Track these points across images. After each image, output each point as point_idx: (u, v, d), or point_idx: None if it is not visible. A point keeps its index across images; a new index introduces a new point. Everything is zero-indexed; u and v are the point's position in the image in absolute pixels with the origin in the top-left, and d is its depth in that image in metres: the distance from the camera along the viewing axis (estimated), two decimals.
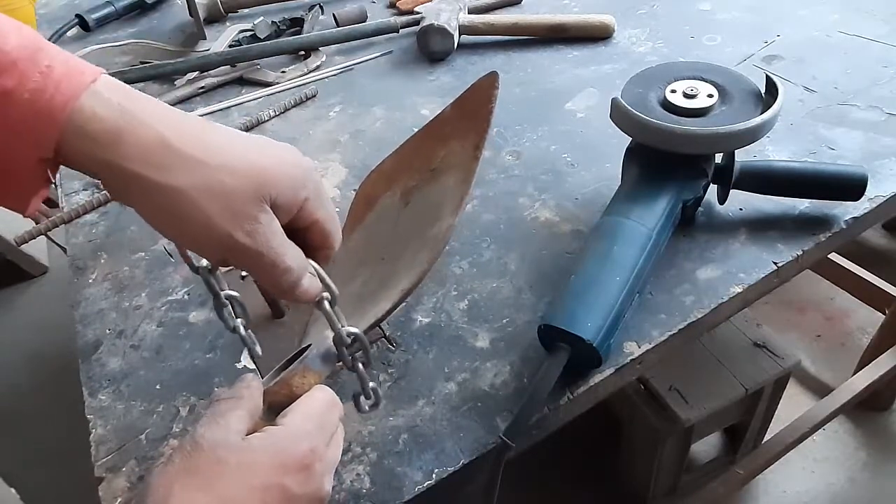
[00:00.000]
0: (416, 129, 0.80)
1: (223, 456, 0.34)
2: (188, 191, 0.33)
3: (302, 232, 0.39)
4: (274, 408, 0.39)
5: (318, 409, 0.39)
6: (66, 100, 0.31)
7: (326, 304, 0.41)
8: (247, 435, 0.36)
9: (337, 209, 0.70)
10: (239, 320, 0.44)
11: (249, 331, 0.45)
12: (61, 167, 0.36)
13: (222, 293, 0.42)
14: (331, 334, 0.42)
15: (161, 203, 0.33)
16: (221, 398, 0.37)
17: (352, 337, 0.41)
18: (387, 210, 0.58)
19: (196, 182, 0.33)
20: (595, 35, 0.91)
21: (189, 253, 0.40)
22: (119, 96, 0.32)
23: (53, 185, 0.81)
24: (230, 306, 0.43)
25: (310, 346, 0.43)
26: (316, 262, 0.40)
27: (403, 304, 0.47)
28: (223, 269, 0.42)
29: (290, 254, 0.37)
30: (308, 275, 0.39)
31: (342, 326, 0.41)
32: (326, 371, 0.42)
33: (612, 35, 0.91)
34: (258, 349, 0.46)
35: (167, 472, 0.33)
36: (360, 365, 0.42)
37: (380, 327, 0.56)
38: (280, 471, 0.35)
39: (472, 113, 0.53)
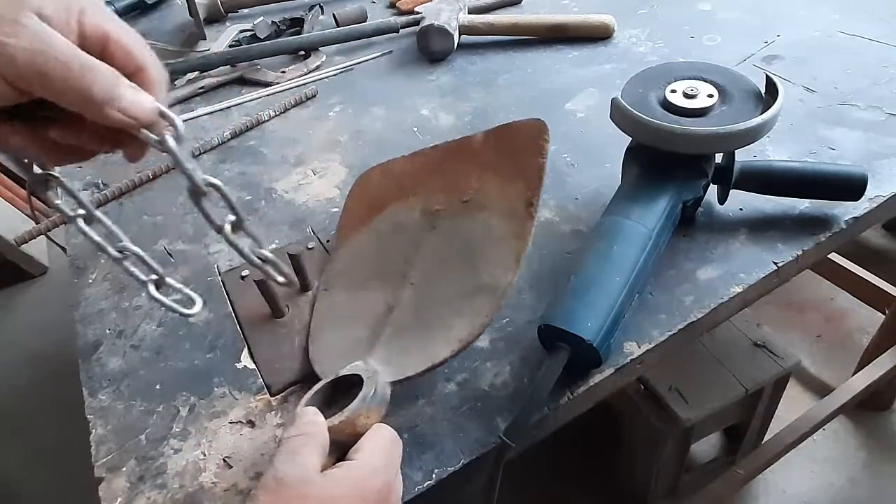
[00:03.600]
0: (416, 130, 0.81)
1: (307, 491, 0.35)
2: None
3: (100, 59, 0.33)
4: (337, 444, 0.39)
5: (387, 446, 0.40)
6: None
7: (171, 140, 0.34)
8: (321, 470, 0.37)
9: (336, 209, 0.70)
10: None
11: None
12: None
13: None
14: (381, 369, 0.43)
15: None
16: (292, 435, 0.38)
17: (210, 186, 0.37)
18: (405, 225, 0.57)
19: None
20: (595, 35, 0.92)
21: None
22: None
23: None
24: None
25: (357, 375, 0.44)
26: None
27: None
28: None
29: (87, 54, 0.31)
30: (128, 85, 0.33)
31: (197, 173, 0.36)
32: (384, 408, 0.43)
33: (612, 35, 0.91)
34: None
35: None
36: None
37: None
38: (359, 503, 0.36)
39: (513, 155, 0.52)
